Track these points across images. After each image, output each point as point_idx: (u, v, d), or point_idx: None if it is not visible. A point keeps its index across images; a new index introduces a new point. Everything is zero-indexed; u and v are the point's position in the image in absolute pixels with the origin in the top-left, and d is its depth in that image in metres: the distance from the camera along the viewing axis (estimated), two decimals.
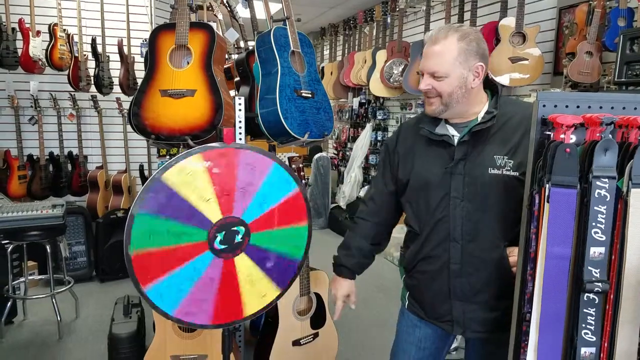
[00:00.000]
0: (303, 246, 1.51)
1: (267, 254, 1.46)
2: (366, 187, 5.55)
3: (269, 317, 2.29)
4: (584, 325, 0.98)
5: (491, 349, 1.54)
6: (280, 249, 1.47)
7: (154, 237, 1.30)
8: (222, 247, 1.39)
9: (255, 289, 1.46)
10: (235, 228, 1.38)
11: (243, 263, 1.43)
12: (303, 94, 1.99)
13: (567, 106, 1.08)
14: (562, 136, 1.00)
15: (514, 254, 1.41)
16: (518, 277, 1.12)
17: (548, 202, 0.99)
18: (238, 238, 1.40)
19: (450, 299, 1.49)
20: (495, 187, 1.40)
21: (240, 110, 1.92)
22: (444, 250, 1.47)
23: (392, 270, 4.54)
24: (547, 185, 0.99)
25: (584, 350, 0.99)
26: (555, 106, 1.08)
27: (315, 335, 2.33)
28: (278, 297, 1.50)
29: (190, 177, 1.28)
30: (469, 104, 1.44)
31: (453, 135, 1.46)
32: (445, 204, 1.46)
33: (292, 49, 2.03)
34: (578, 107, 1.08)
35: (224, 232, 1.37)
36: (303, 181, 2.14)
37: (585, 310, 0.98)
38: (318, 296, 2.28)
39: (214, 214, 1.34)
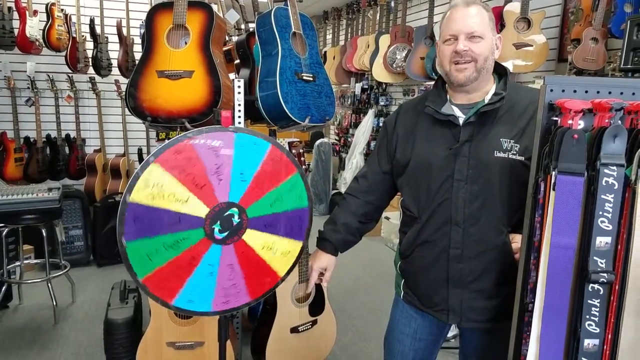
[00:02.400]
0: (304, 194, 1.50)
1: (272, 218, 1.45)
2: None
3: (267, 304, 2.27)
4: (587, 316, 0.96)
5: (486, 340, 1.52)
6: (282, 207, 1.46)
7: (153, 257, 1.31)
8: (224, 235, 1.38)
9: (277, 253, 1.48)
10: (228, 213, 1.36)
11: (253, 238, 1.43)
12: (304, 77, 1.95)
13: (575, 91, 1.04)
14: (569, 122, 0.97)
15: (516, 241, 1.39)
16: (521, 266, 1.10)
17: (554, 189, 0.96)
18: (235, 220, 1.39)
19: (448, 286, 1.45)
20: (501, 170, 1.37)
21: (239, 93, 1.87)
22: (444, 235, 1.44)
23: (392, 256, 4.52)
24: (554, 173, 0.96)
25: (588, 342, 0.96)
26: (563, 91, 1.04)
27: (314, 323, 2.32)
28: (302, 249, 1.55)
29: (156, 188, 1.26)
30: (485, 79, 1.42)
31: (458, 117, 1.42)
32: (447, 186, 1.42)
33: (293, 30, 1.98)
34: (586, 92, 1.04)
35: (218, 222, 1.36)
36: (303, 167, 2.10)
37: (589, 301, 0.95)
38: (317, 285, 2.26)
39: (199, 210, 1.32)
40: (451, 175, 1.41)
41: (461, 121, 1.41)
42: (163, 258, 1.31)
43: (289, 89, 1.88)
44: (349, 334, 3.03)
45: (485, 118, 1.38)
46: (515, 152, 1.35)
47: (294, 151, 2.00)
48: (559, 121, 1.01)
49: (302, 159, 2.03)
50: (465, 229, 1.41)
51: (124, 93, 4.20)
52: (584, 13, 2.91)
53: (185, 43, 1.88)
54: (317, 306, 2.32)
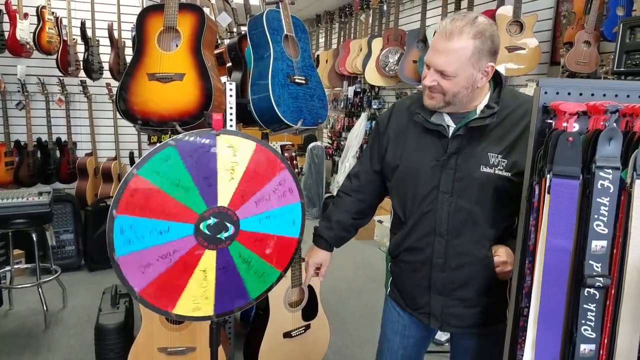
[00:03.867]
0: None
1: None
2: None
3: (259, 309, 2.25)
4: (583, 321, 0.95)
5: (475, 344, 1.53)
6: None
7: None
8: (220, 236, 1.37)
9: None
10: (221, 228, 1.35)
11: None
12: (296, 80, 1.94)
13: (569, 93, 1.03)
14: (564, 124, 0.96)
15: (498, 254, 1.40)
16: (515, 271, 1.09)
17: (549, 193, 0.95)
18: (229, 229, 1.37)
19: (430, 292, 1.47)
20: (485, 186, 1.36)
21: (231, 96, 1.86)
22: (428, 244, 1.45)
23: (384, 260, 4.52)
24: (548, 176, 0.95)
25: (584, 347, 0.95)
26: (557, 93, 1.03)
27: (307, 327, 2.30)
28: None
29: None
30: (471, 100, 1.38)
31: (448, 126, 1.40)
32: (433, 197, 1.42)
33: (285, 33, 1.96)
34: (581, 94, 1.03)
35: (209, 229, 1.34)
36: (296, 170, 2.09)
37: (585, 305, 0.94)
38: (310, 287, 2.24)
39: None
40: (437, 186, 1.41)
41: (451, 131, 1.39)
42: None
43: (281, 92, 1.87)
44: (342, 338, 3.01)
45: (474, 131, 1.36)
46: (502, 168, 1.34)
47: (286, 154, 1.98)
48: (553, 124, 1.00)
49: (294, 162, 2.01)
50: (449, 240, 1.41)
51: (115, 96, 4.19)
52: (577, 16, 2.92)
53: (176, 46, 1.86)
54: (310, 311, 2.30)
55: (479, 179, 1.36)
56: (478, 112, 1.37)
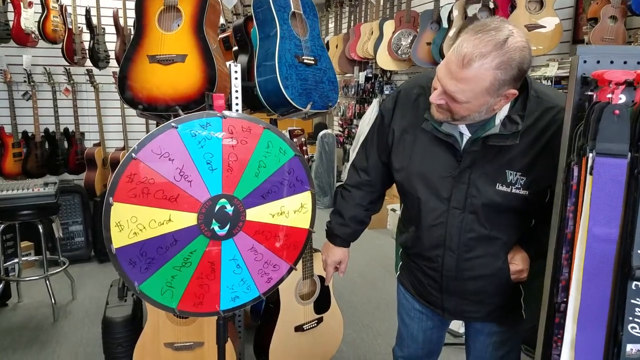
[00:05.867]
0: (284, 145, 1.38)
1: (265, 186, 1.37)
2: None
3: (270, 302, 2.16)
4: (630, 318, 0.84)
5: (492, 328, 1.46)
6: (269, 170, 1.37)
7: (174, 283, 1.25)
8: (226, 228, 1.29)
9: (290, 213, 1.43)
10: (218, 207, 1.27)
11: (257, 214, 1.36)
12: (305, 61, 1.82)
13: (612, 62, 0.91)
14: (609, 96, 0.84)
15: (514, 262, 1.31)
16: (549, 262, 0.98)
17: (591, 174, 0.84)
18: (229, 209, 1.29)
19: (442, 294, 1.41)
20: (500, 204, 1.24)
21: (236, 78, 1.76)
22: (438, 256, 1.35)
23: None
24: (591, 155, 0.84)
25: (630, 347, 0.84)
26: (598, 62, 0.92)
27: (320, 320, 2.21)
28: (313, 196, 1.46)
29: (132, 224, 1.19)
30: (487, 117, 1.21)
31: (462, 134, 1.26)
32: (442, 210, 1.31)
33: (292, 10, 1.85)
34: (625, 62, 0.91)
35: (214, 219, 1.27)
36: (306, 156, 1.98)
37: (633, 300, 0.83)
38: (322, 279, 2.15)
39: (188, 220, 1.23)
40: (447, 199, 1.29)
41: (464, 141, 1.25)
42: (184, 279, 1.25)
43: (289, 73, 1.76)
44: (356, 331, 2.92)
45: (492, 146, 1.21)
46: (519, 186, 1.22)
47: (295, 140, 1.88)
48: (594, 96, 0.88)
49: (304, 148, 1.91)
50: (460, 254, 1.32)
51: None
52: None
53: (178, 26, 1.76)
54: (322, 303, 2.20)
55: (492, 197, 1.24)
56: (497, 122, 1.20)
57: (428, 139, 1.30)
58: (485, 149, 1.22)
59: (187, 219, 1.20)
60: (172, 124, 1.13)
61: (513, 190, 1.22)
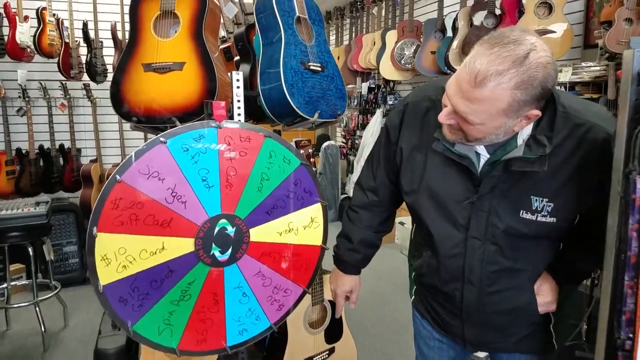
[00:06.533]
0: (288, 153, 1.29)
1: (270, 201, 1.26)
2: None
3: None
4: None
5: (519, 358, 1.32)
6: (273, 183, 1.27)
7: (173, 319, 1.13)
8: (228, 253, 1.17)
9: (299, 229, 1.32)
10: (218, 229, 1.14)
11: (262, 233, 1.25)
12: (311, 67, 1.70)
13: None
14: None
15: (542, 293, 1.18)
16: (607, 291, 0.84)
17: None
18: (230, 231, 1.17)
19: (463, 325, 1.27)
20: (525, 234, 1.11)
21: (238, 87, 1.63)
22: (456, 289, 1.22)
23: (407, 264, 4.26)
24: None
25: None
26: None
27: (331, 351, 2.03)
28: (325, 208, 1.37)
29: (121, 256, 1.06)
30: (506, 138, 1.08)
31: (479, 154, 1.12)
32: (460, 239, 1.17)
33: (297, 14, 1.73)
34: None
35: (213, 244, 1.14)
36: (314, 169, 1.85)
37: None
38: (333, 304, 1.99)
39: (184, 246, 1.11)
40: (465, 227, 1.15)
41: (482, 163, 1.12)
42: (183, 314, 1.12)
43: (295, 80, 1.64)
44: (367, 354, 2.75)
45: (514, 171, 1.07)
46: (546, 214, 1.08)
47: (302, 151, 1.75)
48: None
49: (311, 160, 1.78)
50: (481, 288, 1.18)
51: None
52: None
53: (175, 32, 1.64)
54: (334, 331, 2.04)
55: (516, 226, 1.11)
56: (520, 142, 1.06)
57: (440, 159, 1.17)
58: (507, 173, 1.08)
59: (183, 246, 1.07)
60: (161, 139, 1.00)
61: (539, 218, 1.09)
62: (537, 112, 0.99)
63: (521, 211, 1.09)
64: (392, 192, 1.36)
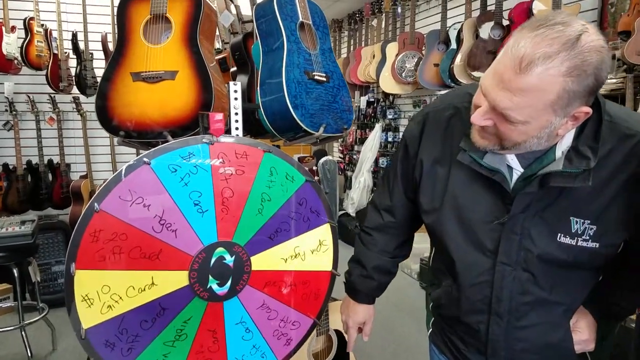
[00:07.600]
0: (291, 169, 1.17)
1: (272, 224, 1.13)
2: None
3: None
4: None
5: None
6: (275, 204, 1.13)
7: None
8: (228, 285, 1.03)
9: (306, 254, 1.19)
10: (214, 258, 0.99)
11: (265, 261, 1.12)
12: (316, 77, 1.56)
13: None
14: None
15: (578, 329, 1.05)
16: None
17: None
18: (229, 260, 1.02)
19: (487, 357, 1.12)
20: (564, 260, 0.97)
21: (236, 99, 1.49)
22: (481, 322, 1.08)
23: (412, 285, 4.10)
24: None
25: None
26: None
27: None
28: (334, 229, 1.27)
29: (105, 295, 0.94)
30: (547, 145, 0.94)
31: (511, 168, 0.98)
32: (487, 265, 1.03)
33: (300, 20, 1.60)
34: None
35: (210, 276, 1.00)
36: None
37: None
38: (339, 334, 1.83)
39: (177, 280, 0.96)
40: (494, 252, 1.01)
41: (514, 179, 0.98)
42: (179, 356, 0.99)
43: (298, 91, 1.50)
44: None
45: (553, 187, 0.94)
46: (587, 238, 0.94)
47: (306, 167, 1.60)
48: None
49: (316, 178, 1.64)
50: (510, 322, 1.04)
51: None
52: (633, 1, 2.54)
53: (167, 37, 1.50)
54: None
55: (554, 251, 0.97)
56: (558, 154, 0.93)
57: (466, 174, 1.03)
58: (544, 190, 0.94)
59: (175, 280, 0.92)
60: (144, 159, 0.85)
61: (579, 243, 0.95)
62: (588, 110, 0.85)
63: (559, 234, 0.96)
64: (410, 212, 1.22)
